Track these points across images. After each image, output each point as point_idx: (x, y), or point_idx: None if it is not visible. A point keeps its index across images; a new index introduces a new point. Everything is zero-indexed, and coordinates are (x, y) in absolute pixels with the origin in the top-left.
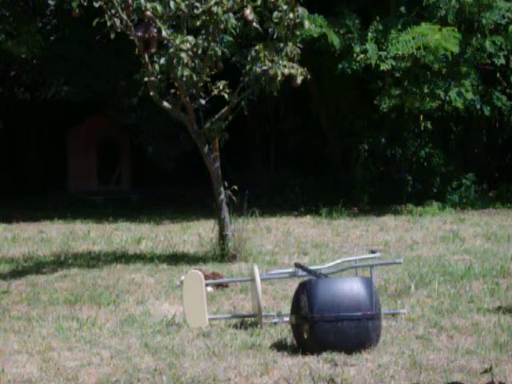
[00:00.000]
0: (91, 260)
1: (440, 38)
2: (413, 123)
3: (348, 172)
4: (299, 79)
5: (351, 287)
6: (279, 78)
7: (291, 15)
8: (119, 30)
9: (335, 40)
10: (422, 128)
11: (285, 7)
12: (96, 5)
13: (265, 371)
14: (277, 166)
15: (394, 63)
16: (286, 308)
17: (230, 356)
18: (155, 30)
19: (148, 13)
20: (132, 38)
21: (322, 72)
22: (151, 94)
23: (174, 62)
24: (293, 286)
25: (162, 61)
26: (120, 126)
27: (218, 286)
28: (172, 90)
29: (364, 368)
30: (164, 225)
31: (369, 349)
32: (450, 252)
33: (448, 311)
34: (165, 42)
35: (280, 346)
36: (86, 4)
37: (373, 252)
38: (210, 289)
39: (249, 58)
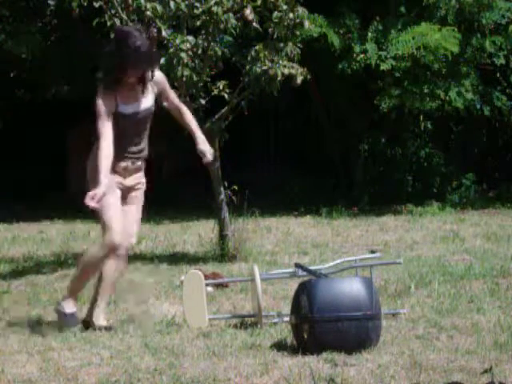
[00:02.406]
0: None
1: (440, 38)
2: (413, 123)
3: (348, 172)
4: (299, 79)
5: (351, 287)
6: (279, 78)
7: (291, 15)
8: None
9: (335, 40)
10: (422, 128)
11: (285, 7)
12: (96, 5)
13: (265, 371)
14: (277, 166)
15: (394, 63)
16: (286, 308)
17: (230, 356)
18: (155, 30)
19: (148, 13)
20: None
21: (322, 72)
22: None
23: (174, 62)
24: (293, 286)
25: (162, 61)
26: None
27: (218, 285)
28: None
29: (364, 368)
30: (164, 225)
31: (369, 349)
32: (449, 252)
33: (448, 311)
34: (165, 42)
35: (280, 346)
36: (85, 4)
37: (373, 252)
38: (209, 289)
39: (249, 58)
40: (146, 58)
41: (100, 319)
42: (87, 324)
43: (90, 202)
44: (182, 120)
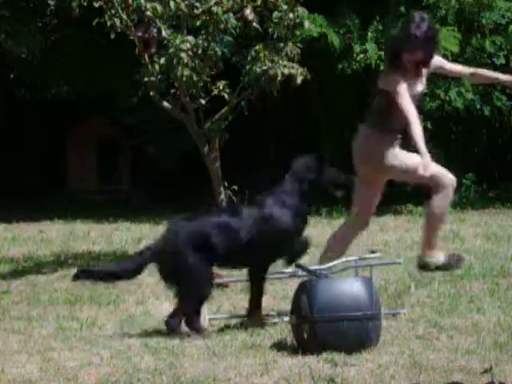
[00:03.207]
0: (91, 260)
1: (440, 38)
2: None
3: (348, 172)
4: (299, 79)
5: (351, 287)
6: (279, 78)
7: (291, 15)
8: (119, 30)
9: (335, 40)
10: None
11: (285, 7)
12: (96, 5)
13: (265, 371)
14: (277, 166)
15: None
16: (286, 308)
17: (229, 356)
18: (155, 30)
19: (148, 13)
20: (132, 38)
21: (322, 72)
22: (151, 94)
23: (174, 62)
24: (293, 286)
25: (162, 61)
26: (120, 126)
27: (218, 285)
28: (172, 90)
29: (364, 368)
30: (164, 225)
31: (369, 349)
32: (449, 252)
33: (448, 311)
34: (165, 42)
35: (280, 346)
36: (85, 4)
37: (373, 252)
38: None
39: (249, 58)
40: (420, 46)
41: (437, 255)
42: (424, 267)
43: (423, 171)
44: (474, 78)
